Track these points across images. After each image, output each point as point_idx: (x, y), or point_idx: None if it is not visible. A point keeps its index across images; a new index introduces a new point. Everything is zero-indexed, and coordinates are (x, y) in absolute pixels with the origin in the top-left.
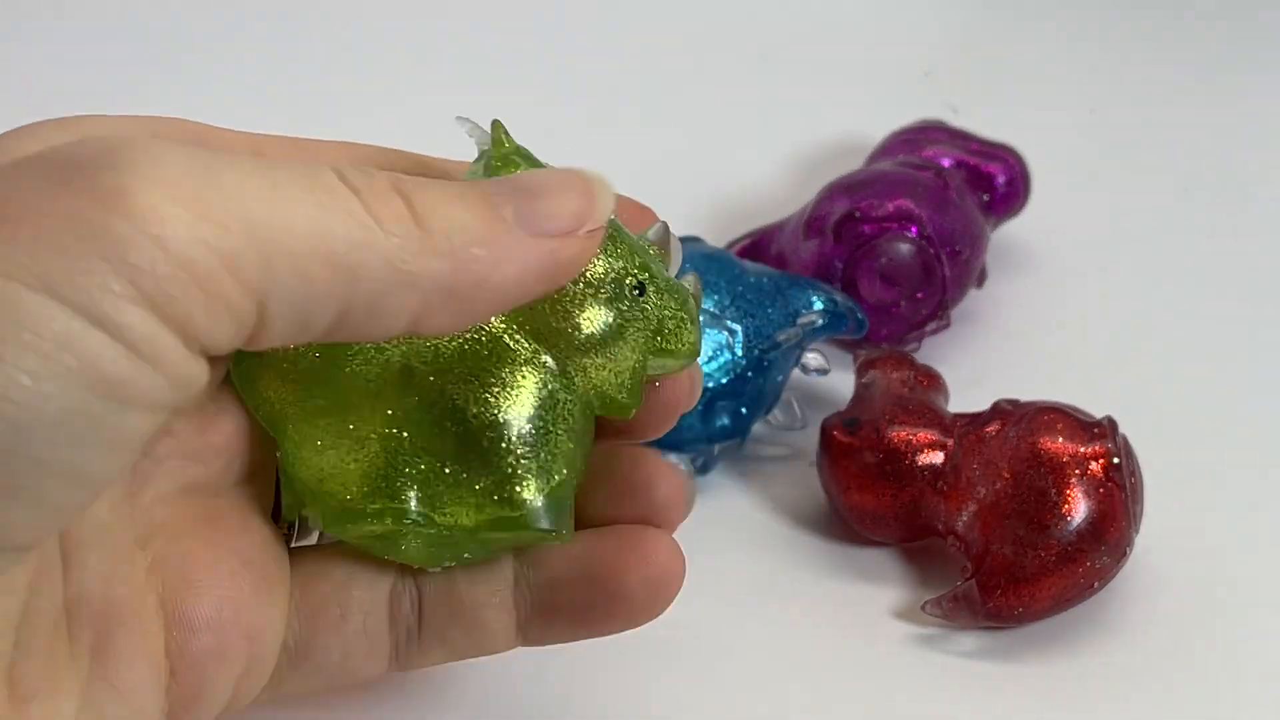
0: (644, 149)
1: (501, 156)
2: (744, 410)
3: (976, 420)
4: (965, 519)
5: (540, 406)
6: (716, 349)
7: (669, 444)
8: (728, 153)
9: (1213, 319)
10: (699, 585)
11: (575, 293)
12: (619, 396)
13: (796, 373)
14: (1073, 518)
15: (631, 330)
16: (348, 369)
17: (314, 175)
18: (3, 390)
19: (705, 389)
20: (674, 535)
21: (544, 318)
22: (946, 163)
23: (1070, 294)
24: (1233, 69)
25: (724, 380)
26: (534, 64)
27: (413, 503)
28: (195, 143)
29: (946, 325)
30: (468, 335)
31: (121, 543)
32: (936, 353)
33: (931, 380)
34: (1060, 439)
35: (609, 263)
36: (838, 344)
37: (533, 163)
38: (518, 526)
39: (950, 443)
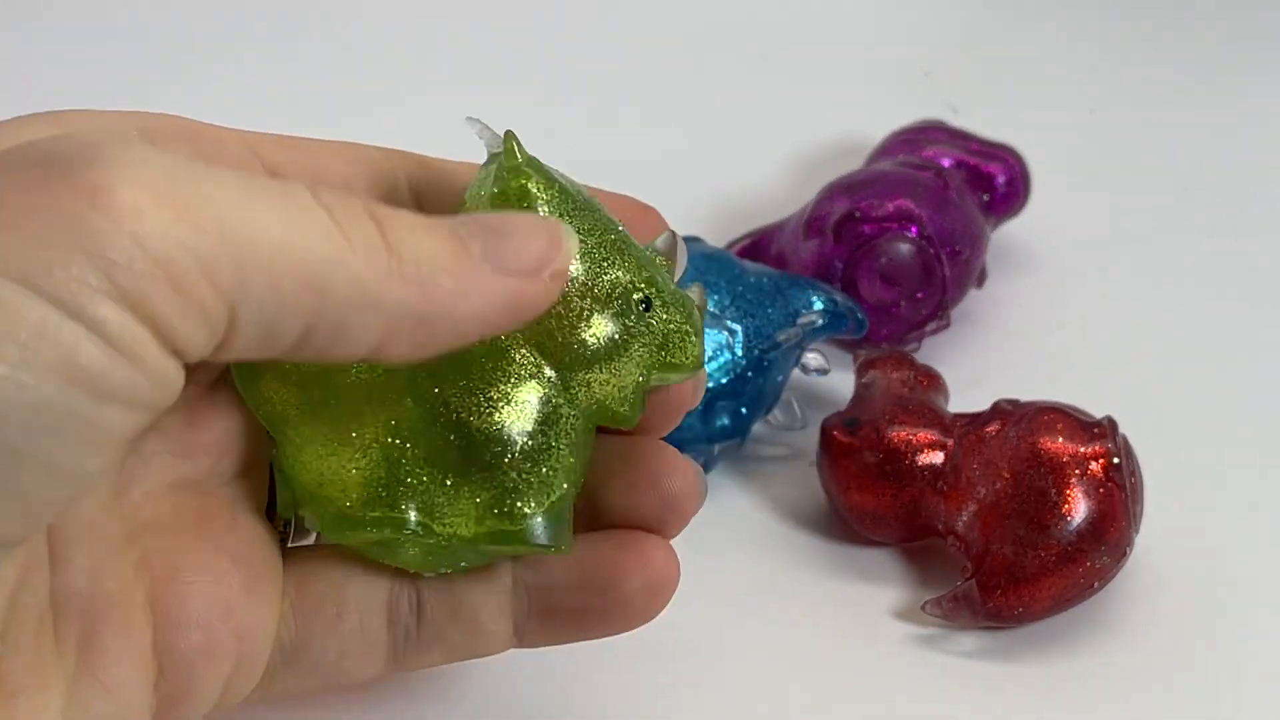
0: (644, 149)
1: (513, 168)
2: (744, 410)
3: (976, 420)
4: (965, 519)
5: (543, 421)
6: (716, 349)
7: (669, 444)
8: (728, 153)
9: (1213, 319)
10: (699, 585)
11: (580, 307)
12: (621, 409)
13: (796, 373)
14: (1073, 518)
15: (636, 345)
16: (351, 375)
17: (289, 190)
18: None
19: (705, 389)
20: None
21: (549, 331)
22: (946, 163)
23: (1070, 294)
24: (1233, 69)
25: (724, 380)
26: (534, 64)
27: (412, 513)
28: (187, 138)
29: (946, 325)
30: (472, 347)
31: (109, 539)
32: (936, 353)
33: (931, 380)
34: (1060, 439)
35: (616, 277)
36: (838, 344)
37: (544, 174)
38: (516, 541)
39: (950, 443)
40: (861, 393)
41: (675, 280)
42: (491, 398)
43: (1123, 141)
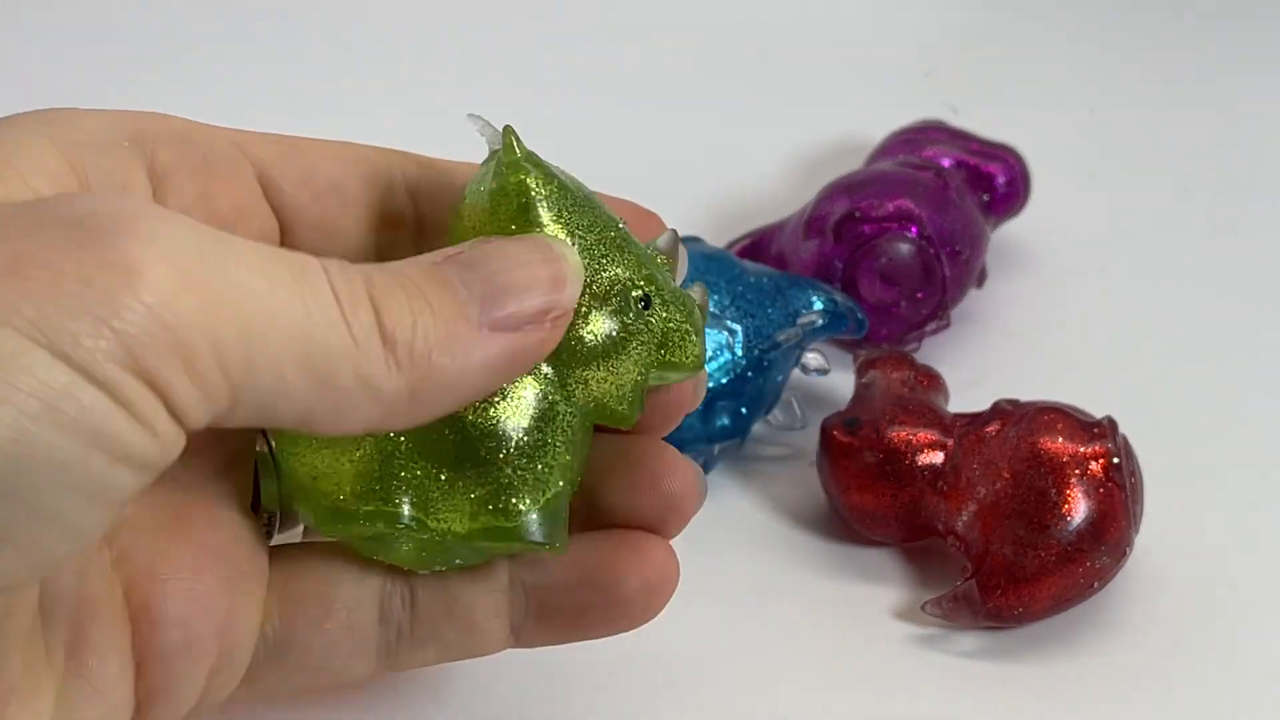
0: (644, 149)
1: (512, 163)
2: (744, 410)
3: (976, 420)
4: (965, 519)
5: (539, 418)
6: (716, 349)
7: (669, 444)
8: (728, 153)
9: (1213, 319)
10: (699, 585)
11: (580, 305)
12: (619, 408)
13: (796, 373)
14: (1073, 518)
15: (635, 344)
16: None
17: (307, 274)
18: (8, 432)
19: (705, 389)
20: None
21: None
22: (946, 163)
23: (1070, 294)
24: (1233, 69)
25: (724, 380)
26: (534, 63)
27: (406, 508)
28: (177, 138)
29: (946, 325)
30: None
31: None
32: (936, 353)
33: (931, 380)
34: (1060, 439)
35: (615, 274)
36: (838, 344)
37: (542, 170)
38: (510, 537)
39: (950, 443)
40: (861, 393)
41: (676, 280)
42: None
43: (1123, 141)
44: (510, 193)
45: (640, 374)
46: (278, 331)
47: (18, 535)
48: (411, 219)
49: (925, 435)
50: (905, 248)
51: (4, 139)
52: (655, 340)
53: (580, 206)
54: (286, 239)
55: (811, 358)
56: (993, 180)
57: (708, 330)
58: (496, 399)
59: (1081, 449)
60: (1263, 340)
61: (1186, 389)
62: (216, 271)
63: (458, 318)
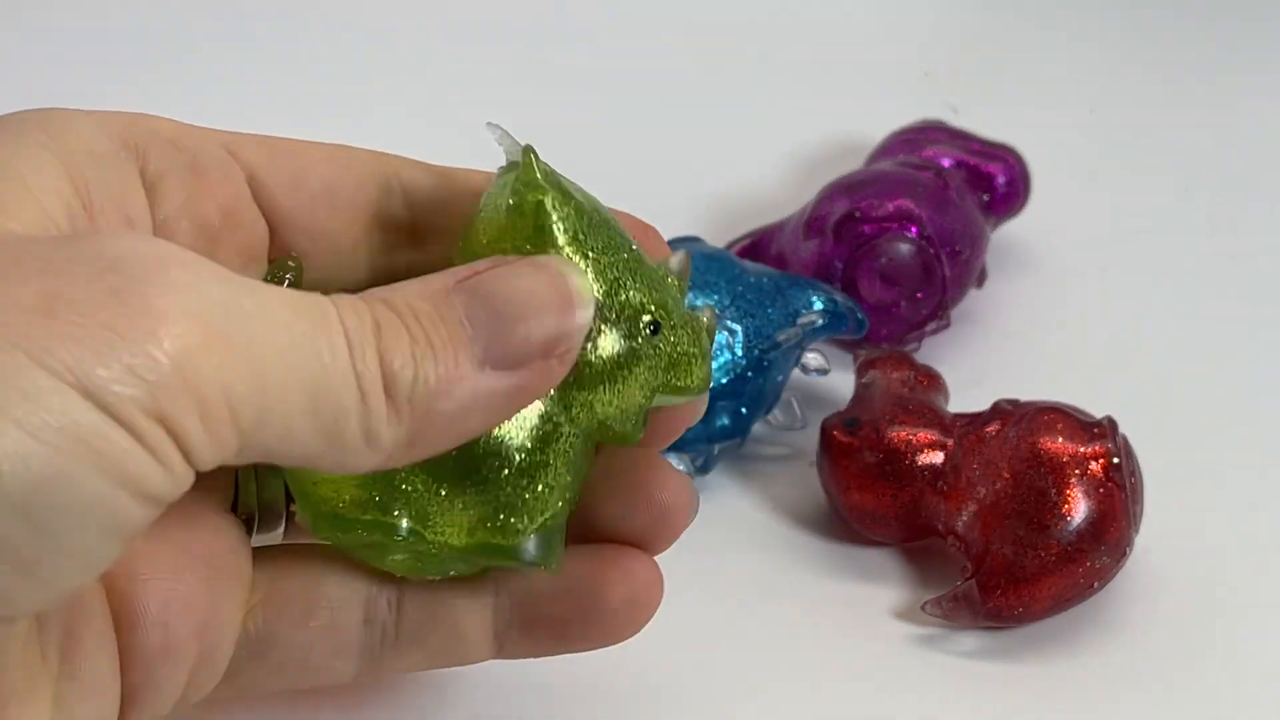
0: (645, 149)
1: (530, 183)
2: (744, 410)
3: (976, 420)
4: (965, 519)
5: (542, 439)
6: (716, 349)
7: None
8: (728, 153)
9: (1213, 319)
10: (699, 585)
11: (589, 329)
12: (623, 429)
13: (796, 373)
14: (1073, 518)
15: (641, 368)
16: None
17: (326, 330)
18: (44, 469)
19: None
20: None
21: None
22: (946, 163)
23: (1070, 294)
24: (1233, 69)
25: (724, 380)
26: (534, 63)
27: (404, 520)
28: (167, 143)
29: (946, 325)
30: None
31: None
32: (936, 353)
33: (931, 380)
34: (1060, 439)
35: (626, 297)
36: (838, 344)
37: (560, 191)
38: (506, 556)
39: (950, 443)
40: (861, 393)
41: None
42: None
43: (1123, 141)
44: (527, 213)
45: (645, 397)
46: (291, 388)
47: (42, 567)
48: (408, 224)
49: (925, 435)
50: (905, 248)
51: (13, 156)
52: (662, 364)
53: (595, 229)
54: (276, 243)
55: (811, 358)
56: (993, 180)
57: None
58: None
59: (1081, 449)
60: (1263, 340)
61: (1186, 389)
62: (238, 327)
63: (461, 360)
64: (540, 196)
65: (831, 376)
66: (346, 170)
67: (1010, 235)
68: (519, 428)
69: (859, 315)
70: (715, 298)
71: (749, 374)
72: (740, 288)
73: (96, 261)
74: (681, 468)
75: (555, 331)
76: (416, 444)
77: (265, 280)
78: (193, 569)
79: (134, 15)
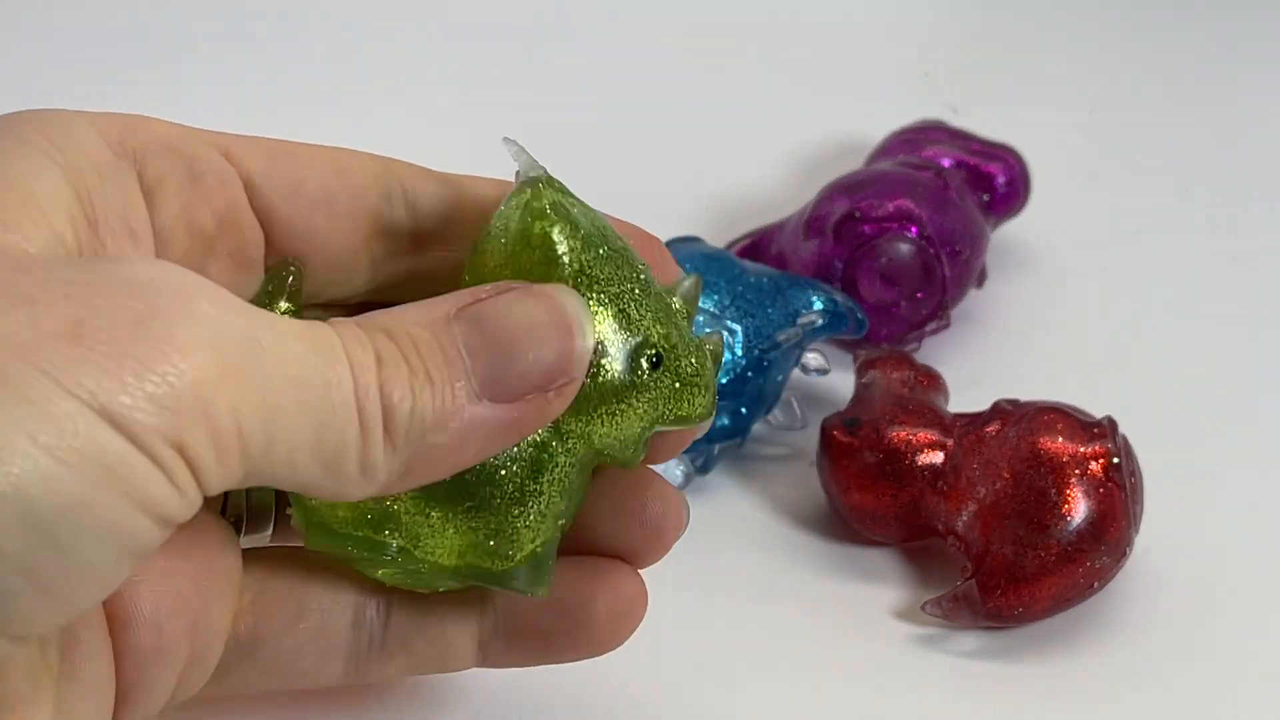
0: (644, 149)
1: (539, 211)
2: (744, 410)
3: (976, 420)
4: (965, 519)
5: (537, 468)
6: None
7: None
8: (728, 153)
9: (1213, 319)
10: (699, 585)
11: (591, 362)
12: (622, 456)
13: (796, 373)
14: (1073, 518)
15: (641, 401)
16: None
17: (335, 365)
18: (73, 493)
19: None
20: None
21: None
22: (946, 163)
23: (1070, 294)
24: (1233, 69)
25: (724, 380)
26: (534, 64)
27: (395, 540)
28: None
29: (946, 325)
30: None
31: None
32: (936, 353)
33: (931, 380)
34: (1060, 439)
35: (632, 330)
36: (838, 344)
37: (569, 221)
38: (495, 582)
39: (950, 443)
40: (861, 393)
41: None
42: None
43: (1123, 141)
44: (534, 243)
45: (645, 427)
46: (299, 422)
47: (62, 588)
48: (410, 230)
49: (925, 435)
50: (905, 248)
51: (18, 166)
52: (663, 396)
53: (603, 260)
54: (272, 249)
55: (811, 358)
56: (993, 180)
57: (706, 329)
58: None
59: (1081, 449)
60: (1263, 340)
61: (1186, 389)
62: (253, 360)
63: (457, 392)
64: (548, 228)
65: (831, 376)
66: (346, 177)
67: (1010, 235)
68: (514, 457)
69: (859, 315)
70: (715, 298)
71: (749, 374)
72: (740, 288)
73: (122, 288)
74: (681, 468)
75: (554, 365)
76: (411, 475)
77: (264, 286)
78: (183, 570)
79: (134, 14)
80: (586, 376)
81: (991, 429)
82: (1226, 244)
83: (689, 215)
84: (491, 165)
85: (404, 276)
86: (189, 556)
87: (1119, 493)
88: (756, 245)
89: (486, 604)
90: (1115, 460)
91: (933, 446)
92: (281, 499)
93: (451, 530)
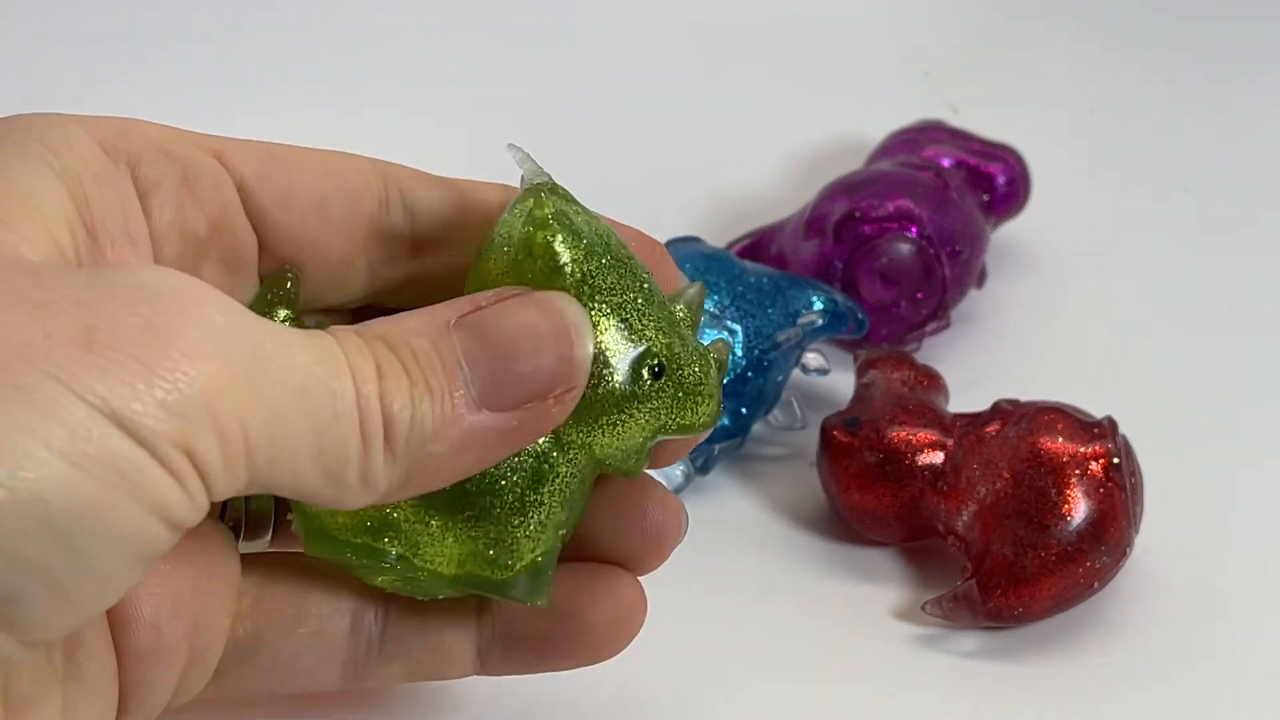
0: (645, 149)
1: (541, 220)
2: (744, 410)
3: (976, 420)
4: (965, 519)
5: (539, 478)
6: None
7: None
8: (728, 153)
9: (1213, 318)
10: (699, 585)
11: (593, 372)
12: (623, 466)
13: (796, 373)
14: (1073, 518)
15: (643, 410)
16: None
17: (339, 376)
18: (88, 498)
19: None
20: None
21: None
22: (946, 163)
23: (1070, 294)
24: (1233, 69)
25: (724, 380)
26: (534, 63)
27: (394, 548)
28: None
29: (946, 325)
30: None
31: None
32: (936, 353)
33: (931, 380)
34: (1060, 439)
35: (633, 341)
36: (838, 344)
37: (571, 231)
38: (495, 590)
39: (950, 443)
40: (861, 393)
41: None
42: None
43: (1123, 141)
44: (536, 252)
45: (647, 437)
46: (302, 431)
47: (76, 592)
48: (409, 235)
49: (925, 435)
50: (905, 248)
51: (18, 173)
52: (666, 405)
53: (606, 269)
54: (265, 254)
55: (811, 358)
56: (993, 180)
57: (707, 330)
58: None
59: (1081, 449)
60: (1263, 340)
61: (1186, 389)
62: (260, 369)
63: (457, 401)
64: (550, 237)
65: (831, 376)
66: (340, 182)
67: (1010, 235)
68: (515, 467)
69: (859, 315)
70: (715, 298)
71: (749, 374)
72: (740, 288)
73: (131, 295)
74: (681, 468)
75: (553, 372)
76: (411, 484)
77: (262, 293)
78: (182, 573)
79: (127, 14)
80: (588, 386)
81: (991, 429)
82: (1226, 244)
83: (689, 215)
84: (491, 165)
85: (404, 281)
86: (188, 560)
87: (1119, 493)
88: (756, 245)
89: (485, 611)
90: (1115, 460)
91: (933, 446)
92: (281, 505)
93: (451, 539)
